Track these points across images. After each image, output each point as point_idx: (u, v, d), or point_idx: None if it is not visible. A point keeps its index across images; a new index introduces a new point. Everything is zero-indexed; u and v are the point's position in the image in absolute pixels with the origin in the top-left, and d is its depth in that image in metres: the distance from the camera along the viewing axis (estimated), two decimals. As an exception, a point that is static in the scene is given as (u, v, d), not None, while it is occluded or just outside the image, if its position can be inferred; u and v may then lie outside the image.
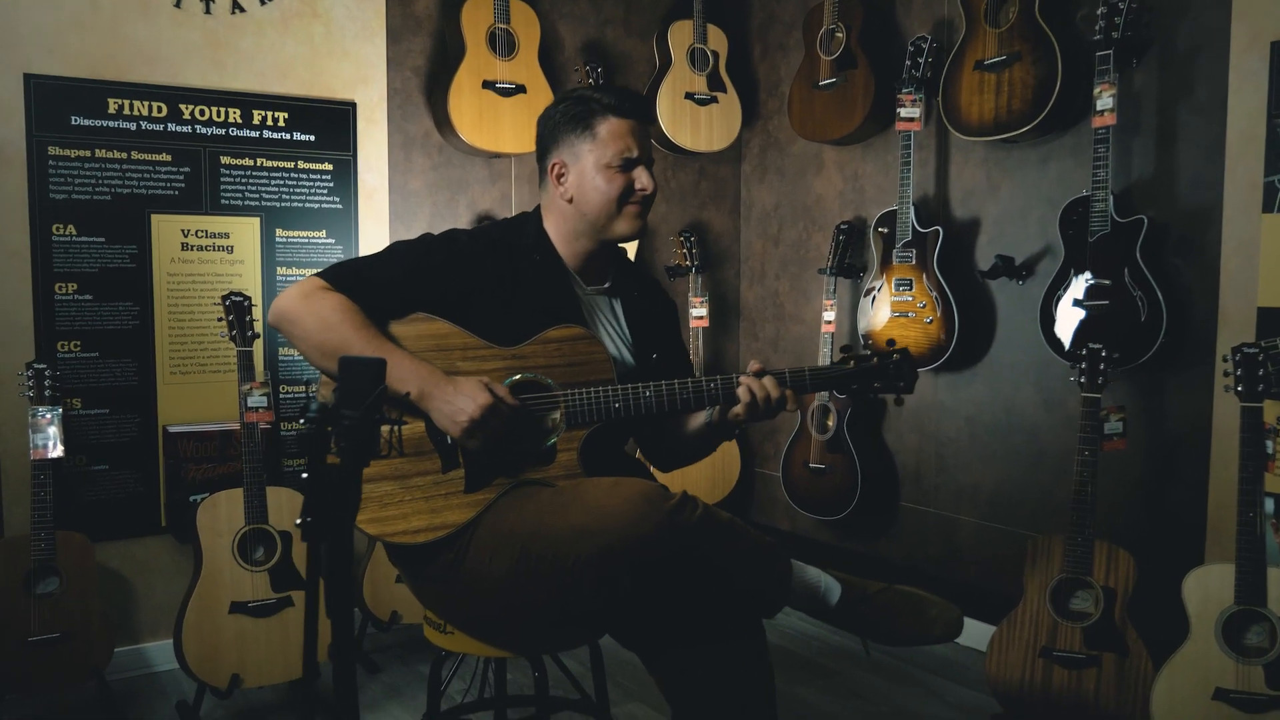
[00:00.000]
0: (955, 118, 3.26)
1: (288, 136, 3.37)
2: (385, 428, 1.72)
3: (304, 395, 3.43)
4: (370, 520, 1.80)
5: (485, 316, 1.88)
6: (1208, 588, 2.35)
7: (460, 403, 1.73)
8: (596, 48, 3.99)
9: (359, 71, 3.49)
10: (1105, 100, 2.83)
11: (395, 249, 1.92)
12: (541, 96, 3.63)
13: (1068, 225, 2.97)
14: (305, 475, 1.22)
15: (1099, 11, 2.83)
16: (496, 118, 3.56)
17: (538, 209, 2.05)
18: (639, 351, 2.05)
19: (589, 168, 1.93)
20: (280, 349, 3.39)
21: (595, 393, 1.85)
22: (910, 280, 3.43)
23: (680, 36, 3.98)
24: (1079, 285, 2.92)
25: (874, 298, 3.55)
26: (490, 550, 1.78)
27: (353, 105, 3.48)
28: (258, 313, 3.15)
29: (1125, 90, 2.91)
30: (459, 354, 1.85)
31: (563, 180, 1.96)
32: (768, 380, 1.87)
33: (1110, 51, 2.81)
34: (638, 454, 2.26)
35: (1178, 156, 2.87)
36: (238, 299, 3.02)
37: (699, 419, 2.04)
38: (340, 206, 3.47)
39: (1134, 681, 2.49)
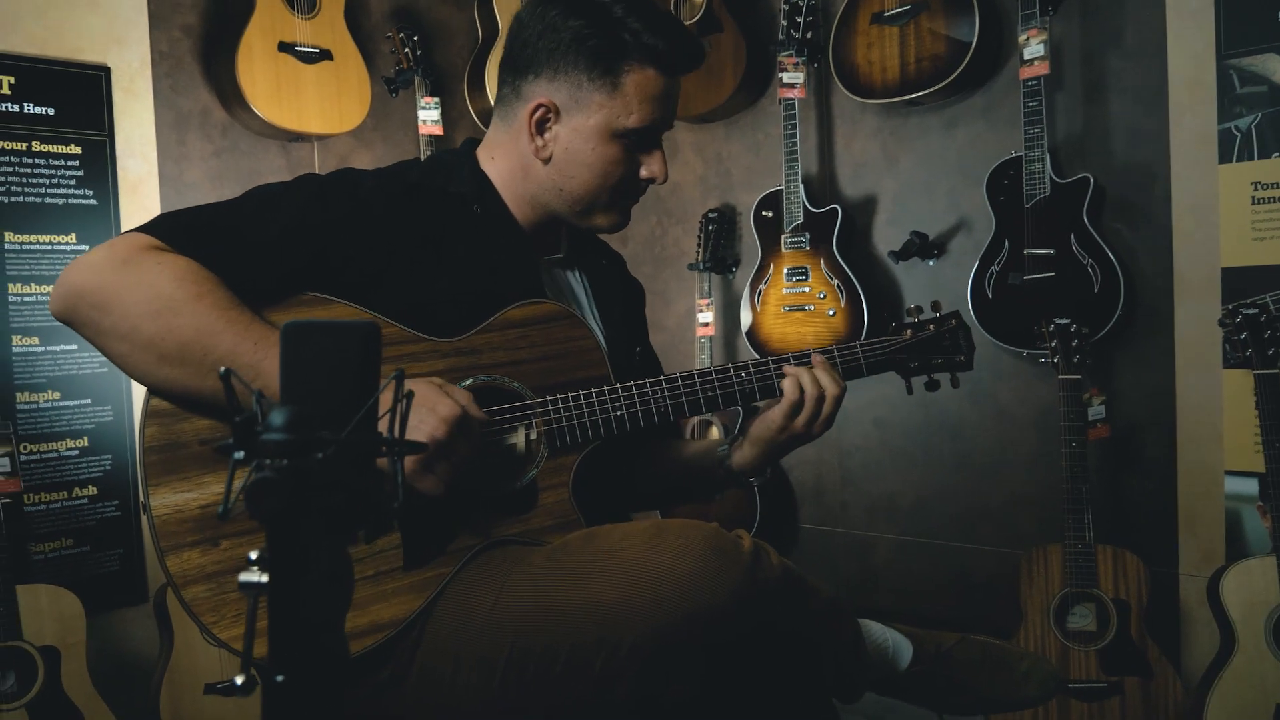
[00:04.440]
0: (852, 81, 2.86)
1: (16, 109, 2.49)
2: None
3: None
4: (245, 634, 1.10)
5: (408, 295, 1.23)
6: (1251, 588, 2.01)
7: (412, 419, 1.07)
8: (408, 14, 3.33)
9: (112, 28, 2.66)
10: (1035, 48, 2.51)
11: (261, 195, 1.23)
12: (351, 65, 2.94)
13: (998, 191, 2.62)
14: (264, 575, 0.56)
15: (1020, -50, 2.52)
16: (298, 89, 2.83)
17: (468, 145, 1.42)
18: (616, 344, 1.45)
19: (593, 128, 1.31)
20: (22, 393, 2.48)
21: (589, 398, 1.24)
22: (805, 268, 2.99)
23: (508, 3, 3.39)
24: (1018, 257, 2.57)
25: (760, 291, 3.09)
26: (455, 654, 1.13)
27: (105, 71, 2.64)
28: (-15, 345, 2.28)
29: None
30: (377, 352, 1.19)
31: (546, 130, 1.33)
32: (819, 368, 1.35)
33: (1035, -6, 2.51)
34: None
35: (1109, 110, 2.59)
36: (-46, 326, 2.16)
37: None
38: (94, 202, 2.61)
39: (1163, 708, 2.12)
